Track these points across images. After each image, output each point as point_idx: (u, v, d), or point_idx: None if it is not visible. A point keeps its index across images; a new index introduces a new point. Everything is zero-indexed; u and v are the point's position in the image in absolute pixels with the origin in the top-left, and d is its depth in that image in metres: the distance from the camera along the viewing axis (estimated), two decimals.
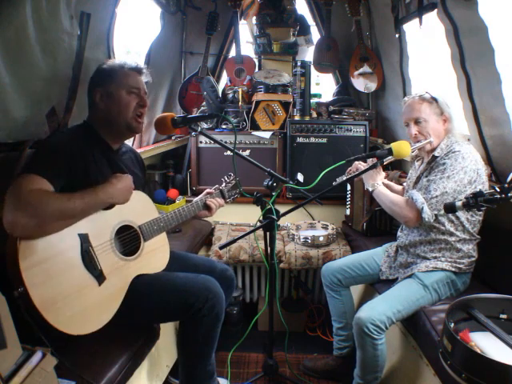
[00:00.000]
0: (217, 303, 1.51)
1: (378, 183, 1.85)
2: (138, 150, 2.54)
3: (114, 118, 1.49)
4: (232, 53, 3.51)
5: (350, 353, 2.00)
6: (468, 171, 1.63)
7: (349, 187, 2.58)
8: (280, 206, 1.72)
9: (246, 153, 2.77)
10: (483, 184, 1.68)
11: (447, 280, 1.71)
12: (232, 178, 1.97)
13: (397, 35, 2.51)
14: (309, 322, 2.63)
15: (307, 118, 2.86)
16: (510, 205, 1.37)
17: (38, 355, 0.98)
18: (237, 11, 3.05)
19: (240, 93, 2.86)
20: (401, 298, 1.66)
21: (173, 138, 3.08)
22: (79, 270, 1.29)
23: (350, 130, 2.77)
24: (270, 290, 1.74)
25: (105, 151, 1.52)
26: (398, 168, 2.73)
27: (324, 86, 3.60)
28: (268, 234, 1.64)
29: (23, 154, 1.51)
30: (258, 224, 1.64)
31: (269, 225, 1.60)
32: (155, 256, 1.60)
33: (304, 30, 3.26)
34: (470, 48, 1.81)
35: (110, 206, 1.43)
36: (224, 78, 3.52)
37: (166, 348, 1.85)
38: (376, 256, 2.02)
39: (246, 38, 3.28)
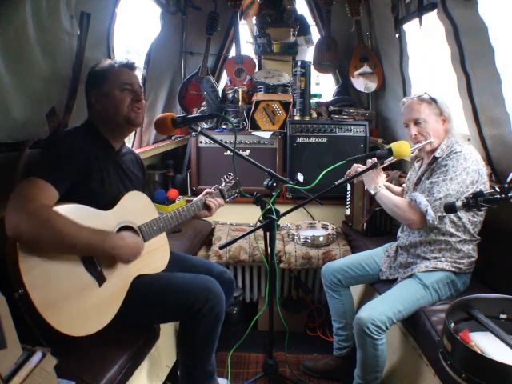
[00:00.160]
0: (217, 303, 1.51)
1: (380, 186, 1.84)
2: (138, 150, 2.56)
3: (112, 116, 1.50)
4: (232, 53, 3.51)
5: (350, 353, 2.00)
6: (470, 172, 1.63)
7: (349, 187, 2.58)
8: (280, 205, 1.71)
9: (246, 153, 2.77)
10: (485, 184, 1.67)
11: (447, 280, 1.71)
12: (232, 177, 1.97)
13: (397, 35, 2.51)
14: (309, 321, 2.63)
15: (307, 118, 2.86)
16: (510, 205, 1.38)
17: (37, 355, 0.97)
18: (237, 11, 3.05)
19: (240, 93, 2.86)
20: (401, 298, 1.66)
21: (173, 137, 3.08)
22: (79, 271, 1.29)
23: (350, 130, 2.77)
24: (269, 290, 1.74)
25: (107, 151, 1.53)
26: (397, 168, 2.73)
27: (324, 86, 3.60)
28: (268, 233, 1.64)
29: (23, 153, 1.51)
30: (258, 224, 1.64)
31: (269, 225, 1.60)
32: (155, 256, 1.60)
33: (304, 30, 3.26)
34: (470, 48, 1.81)
35: (109, 207, 1.43)
36: (224, 78, 3.52)
37: (165, 348, 1.85)
38: (376, 256, 2.02)
39: (246, 37, 3.29)
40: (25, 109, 1.50)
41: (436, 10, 1.94)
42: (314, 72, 3.10)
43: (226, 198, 1.90)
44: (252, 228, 1.69)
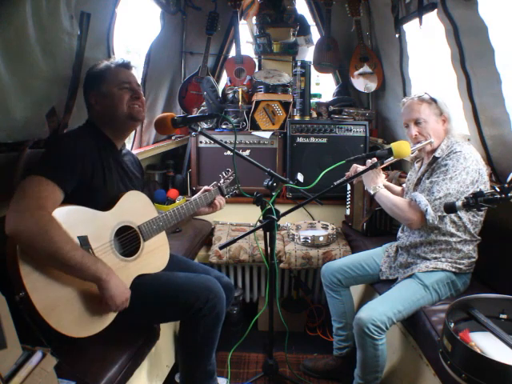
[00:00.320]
0: (218, 303, 1.51)
1: (380, 186, 1.84)
2: (138, 150, 2.57)
3: (113, 115, 1.50)
4: (232, 53, 3.51)
5: (350, 353, 2.00)
6: (470, 171, 1.63)
7: (349, 187, 2.58)
8: (280, 205, 1.71)
9: (246, 153, 2.77)
10: (485, 184, 1.67)
11: (447, 280, 1.71)
12: (230, 173, 1.97)
13: (397, 35, 2.51)
14: (309, 322, 2.63)
15: (307, 118, 2.86)
16: (510, 205, 1.37)
17: (37, 355, 0.97)
18: (237, 11, 3.05)
19: (240, 93, 2.86)
20: (401, 299, 1.66)
21: (173, 137, 3.08)
22: None
23: (350, 130, 2.77)
24: (269, 290, 1.74)
25: (109, 150, 1.53)
26: (397, 168, 2.73)
27: (324, 86, 3.60)
28: (268, 233, 1.64)
29: (23, 153, 1.51)
30: (258, 224, 1.64)
31: (269, 225, 1.60)
32: (155, 256, 1.60)
33: (304, 30, 3.25)
34: (470, 48, 1.81)
35: (108, 207, 1.43)
36: (224, 78, 3.52)
37: (165, 348, 1.85)
38: (376, 256, 2.02)
39: (246, 37, 3.28)
40: (25, 109, 1.50)
41: (436, 10, 1.94)
42: (314, 72, 3.10)
43: (225, 195, 1.91)
44: (252, 228, 1.69)
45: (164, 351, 1.83)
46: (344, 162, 1.72)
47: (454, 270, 1.71)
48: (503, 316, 1.31)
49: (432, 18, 2.01)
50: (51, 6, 1.47)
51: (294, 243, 2.46)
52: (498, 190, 1.20)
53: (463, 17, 1.76)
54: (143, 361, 1.51)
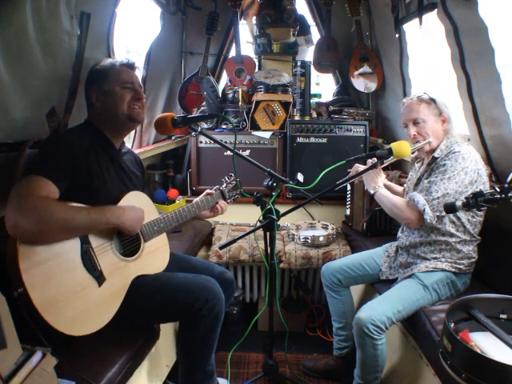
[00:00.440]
0: (217, 304, 1.51)
1: (380, 185, 1.84)
2: (138, 150, 2.57)
3: (113, 114, 1.50)
4: (232, 53, 3.51)
5: (350, 353, 2.00)
6: (469, 172, 1.63)
7: (349, 187, 2.58)
8: (280, 205, 1.72)
9: (246, 153, 2.77)
10: (484, 184, 1.67)
11: (447, 280, 1.71)
12: (232, 178, 1.97)
13: (397, 35, 2.51)
14: (309, 322, 2.63)
15: (307, 118, 2.86)
16: (510, 205, 1.37)
17: (37, 355, 0.98)
18: (237, 11, 3.05)
19: (240, 93, 2.86)
20: (401, 299, 1.66)
21: (173, 137, 3.08)
22: (79, 271, 1.29)
23: (350, 130, 2.77)
24: (270, 290, 1.74)
25: (107, 150, 1.53)
26: (398, 168, 2.73)
27: (324, 86, 3.60)
28: (268, 233, 1.64)
29: (23, 153, 1.51)
30: (258, 224, 1.64)
31: (269, 225, 1.60)
32: (155, 257, 1.60)
33: (304, 30, 3.26)
34: (470, 48, 1.81)
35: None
36: (224, 78, 3.52)
37: (165, 348, 1.85)
38: (376, 256, 2.02)
39: (246, 37, 3.29)
40: (25, 109, 1.50)
41: (436, 10, 1.94)
42: (314, 72, 3.10)
43: (227, 199, 1.91)
44: (252, 228, 1.69)
45: (164, 351, 1.83)
46: (344, 161, 1.72)
47: (453, 270, 1.71)
48: (503, 316, 1.31)
49: (432, 18, 2.01)
50: (51, 5, 1.47)
51: (294, 243, 2.46)
52: (498, 190, 1.20)
53: (463, 17, 1.76)
54: (143, 361, 1.51)
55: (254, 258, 2.39)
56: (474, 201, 1.23)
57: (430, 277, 1.70)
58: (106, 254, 1.38)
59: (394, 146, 1.66)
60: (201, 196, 1.84)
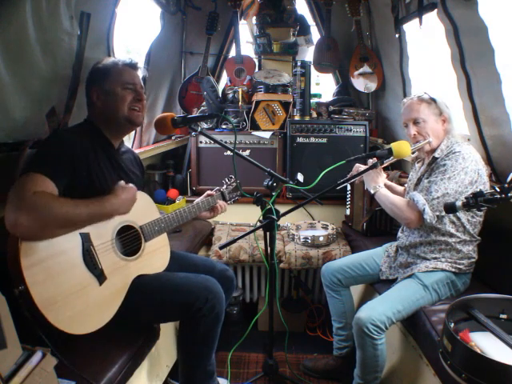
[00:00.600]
0: (217, 303, 1.51)
1: (380, 185, 1.84)
2: (138, 150, 2.57)
3: (113, 114, 1.50)
4: (232, 53, 3.51)
5: (350, 353, 2.00)
6: (469, 172, 1.63)
7: (349, 187, 2.58)
8: (280, 205, 1.71)
9: (246, 153, 2.76)
10: (484, 184, 1.67)
11: (447, 280, 1.71)
12: (233, 179, 1.97)
13: (397, 35, 2.51)
14: (309, 322, 2.63)
15: (307, 118, 2.86)
16: (510, 205, 1.37)
17: (37, 355, 0.97)
18: (237, 11, 3.05)
19: (240, 93, 2.86)
20: (401, 298, 1.66)
21: (173, 137, 3.08)
22: (80, 270, 1.29)
23: (350, 130, 2.77)
24: (270, 290, 1.74)
25: (106, 149, 1.53)
26: (398, 168, 2.73)
27: (324, 86, 3.60)
28: (268, 233, 1.64)
29: (23, 153, 1.51)
30: (258, 224, 1.64)
31: (269, 225, 1.60)
32: (156, 256, 1.60)
33: (304, 30, 3.26)
34: (470, 48, 1.81)
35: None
36: (224, 78, 3.52)
37: (165, 348, 1.85)
38: (376, 256, 2.02)
39: (246, 38, 3.29)
40: (25, 109, 1.50)
41: (436, 10, 1.94)
42: (314, 72, 3.10)
43: (227, 200, 1.92)
44: (252, 228, 1.69)
45: (164, 351, 1.83)
46: (344, 161, 1.72)
47: (453, 270, 1.71)
48: (503, 316, 1.31)
49: (432, 18, 2.01)
50: (51, 6, 1.47)
51: (294, 243, 2.46)
52: (498, 190, 1.20)
53: (463, 17, 1.76)
54: (143, 361, 1.51)
55: (254, 258, 2.39)
56: (474, 201, 1.23)
57: (429, 277, 1.70)
58: (107, 252, 1.38)
59: (394, 145, 1.66)
60: (201, 197, 1.85)
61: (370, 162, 1.82)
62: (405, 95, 2.61)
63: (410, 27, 2.41)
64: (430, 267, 1.73)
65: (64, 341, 1.22)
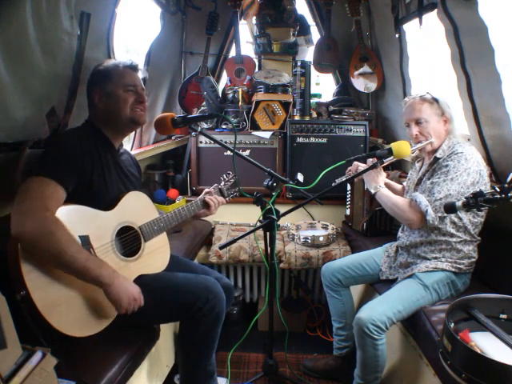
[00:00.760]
0: (217, 303, 1.51)
1: (381, 185, 1.84)
2: (138, 150, 2.57)
3: (115, 116, 1.50)
4: (232, 53, 3.51)
5: (350, 353, 2.00)
6: (471, 172, 1.63)
7: (349, 187, 2.58)
8: (280, 206, 1.71)
9: (246, 153, 2.76)
10: (486, 185, 1.67)
11: (447, 280, 1.71)
12: (231, 176, 1.97)
13: (397, 35, 2.51)
14: (309, 322, 2.63)
15: (307, 118, 2.86)
16: (510, 205, 1.37)
17: (37, 355, 0.97)
18: (237, 11, 3.05)
19: (240, 93, 2.86)
20: (401, 299, 1.66)
21: (173, 137, 3.08)
22: None
23: (350, 130, 2.77)
24: (270, 290, 1.74)
25: (108, 150, 1.53)
26: (398, 168, 2.73)
27: (324, 86, 3.60)
28: (268, 233, 1.64)
29: (23, 153, 1.51)
30: (258, 224, 1.64)
31: (269, 225, 1.60)
32: (156, 256, 1.60)
33: (304, 30, 3.25)
34: (470, 48, 1.80)
35: (110, 207, 1.43)
36: (224, 78, 3.52)
37: (165, 348, 1.85)
38: (376, 256, 2.02)
39: (246, 37, 3.28)
40: (25, 109, 1.50)
41: (436, 10, 1.94)
42: (314, 72, 3.10)
43: (225, 197, 1.90)
44: (252, 228, 1.69)
45: (164, 351, 1.83)
46: (344, 161, 1.72)
47: (453, 269, 1.71)
48: (503, 316, 1.31)
49: (432, 18, 2.01)
50: (51, 6, 1.47)
51: (294, 243, 2.46)
52: (498, 190, 1.20)
53: (463, 17, 1.76)
54: (143, 361, 1.51)
55: (254, 258, 2.39)
56: (474, 201, 1.23)
57: (430, 277, 1.70)
58: (107, 254, 1.38)
59: (394, 146, 1.66)
60: (200, 196, 1.84)
61: (370, 161, 1.82)
62: (405, 95, 2.61)
63: (410, 27, 2.41)
64: (431, 267, 1.73)
65: (64, 342, 1.22)
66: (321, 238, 2.41)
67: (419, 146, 1.75)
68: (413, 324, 1.67)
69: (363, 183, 1.97)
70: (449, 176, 1.63)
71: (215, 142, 1.64)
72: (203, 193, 1.86)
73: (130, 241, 1.50)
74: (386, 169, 2.23)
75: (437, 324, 1.51)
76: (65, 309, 1.21)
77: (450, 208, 1.31)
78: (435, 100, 1.74)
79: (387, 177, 2.19)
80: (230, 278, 2.55)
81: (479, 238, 1.75)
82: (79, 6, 1.64)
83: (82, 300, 1.27)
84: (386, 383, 1.87)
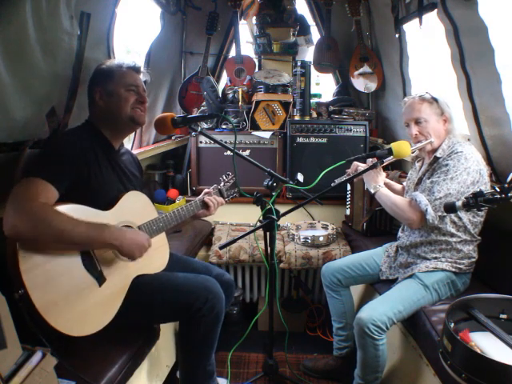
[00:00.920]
0: (217, 303, 1.51)
1: (380, 185, 1.84)
2: (138, 150, 2.57)
3: (115, 115, 1.51)
4: (232, 53, 3.51)
5: (350, 353, 2.00)
6: (471, 172, 1.63)
7: (349, 187, 2.58)
8: (280, 205, 1.71)
9: (246, 153, 2.76)
10: (486, 184, 1.67)
11: (447, 280, 1.71)
12: (230, 176, 1.97)
13: (397, 35, 2.51)
14: (309, 322, 2.63)
15: (307, 118, 2.86)
16: (510, 205, 1.37)
17: (37, 355, 0.97)
18: (237, 11, 3.05)
19: (240, 93, 2.86)
20: (401, 299, 1.66)
21: (173, 137, 3.08)
22: (79, 271, 1.29)
23: (350, 130, 2.77)
24: (270, 290, 1.74)
25: (107, 150, 1.53)
26: (398, 168, 2.73)
27: (324, 86, 3.60)
28: (268, 233, 1.64)
29: (23, 153, 1.51)
30: (258, 224, 1.64)
31: (269, 225, 1.60)
32: (155, 256, 1.60)
33: (304, 30, 3.26)
34: (470, 48, 1.80)
35: (109, 207, 1.43)
36: (224, 78, 3.52)
37: (166, 348, 1.85)
38: (376, 256, 2.02)
39: (246, 37, 3.29)
40: (25, 109, 1.50)
41: (436, 10, 1.94)
42: (314, 72, 3.10)
43: (224, 198, 1.90)
44: (252, 228, 1.69)
45: (164, 351, 1.83)
46: (344, 161, 1.72)
47: (454, 269, 1.71)
48: (503, 316, 1.31)
49: (432, 18, 2.01)
50: (51, 6, 1.47)
51: (294, 243, 2.46)
52: (498, 190, 1.20)
53: (463, 17, 1.76)
54: (143, 361, 1.51)
55: (254, 258, 2.39)
56: (474, 201, 1.23)
57: (430, 277, 1.70)
58: (106, 253, 1.38)
59: (393, 146, 1.67)
60: (200, 196, 1.84)
61: (370, 161, 1.82)
62: (405, 95, 2.61)
63: (410, 27, 2.41)
64: (431, 267, 1.73)
65: (64, 341, 1.22)
66: (321, 238, 2.41)
67: (419, 145, 1.75)
68: (413, 324, 1.67)
69: (363, 183, 1.96)
70: (448, 175, 1.64)
71: (215, 141, 1.64)
72: (202, 193, 1.86)
73: None
74: (385, 169, 2.24)
75: (437, 324, 1.51)
76: (63, 308, 1.21)
77: (450, 208, 1.31)
78: (434, 100, 1.74)
79: (387, 177, 2.19)
80: None
81: (479, 238, 1.75)
82: (79, 6, 1.64)
83: (81, 299, 1.27)
84: (386, 383, 1.87)
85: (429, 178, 1.75)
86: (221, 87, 3.26)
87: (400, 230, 1.98)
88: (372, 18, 2.99)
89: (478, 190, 1.56)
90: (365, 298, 2.18)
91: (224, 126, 2.82)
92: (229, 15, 3.20)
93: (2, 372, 0.89)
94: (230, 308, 2.53)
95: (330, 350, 2.15)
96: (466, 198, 1.25)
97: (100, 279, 1.33)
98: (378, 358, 1.65)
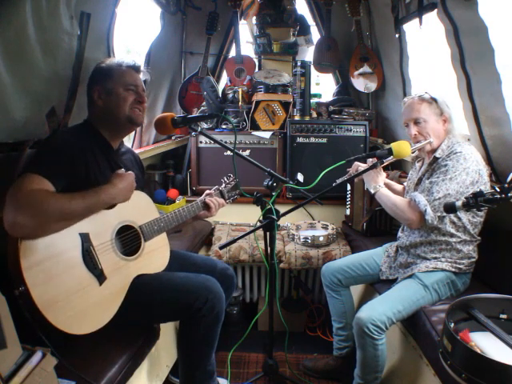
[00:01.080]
0: (217, 303, 1.51)
1: (380, 185, 1.84)
2: (138, 150, 2.57)
3: (113, 114, 1.50)
4: (232, 53, 3.51)
5: (350, 353, 2.00)
6: (470, 172, 1.63)
7: (349, 187, 2.58)
8: (280, 205, 1.71)
9: (246, 153, 2.76)
10: (485, 185, 1.67)
11: (447, 280, 1.71)
12: (232, 178, 1.97)
13: (397, 35, 2.51)
14: (309, 322, 2.63)
15: (307, 118, 2.86)
16: (510, 205, 1.37)
17: (37, 355, 0.97)
18: (237, 11, 3.05)
19: (240, 93, 2.86)
20: (401, 298, 1.66)
21: (173, 137, 3.08)
22: (80, 270, 1.29)
23: (350, 130, 2.77)
24: (269, 290, 1.74)
25: (105, 150, 1.53)
26: (398, 168, 2.73)
27: (324, 86, 3.60)
28: (268, 233, 1.64)
29: (23, 153, 1.51)
30: (258, 224, 1.64)
31: (269, 225, 1.60)
32: (155, 256, 1.60)
33: (304, 30, 3.26)
34: (470, 48, 1.80)
35: (110, 206, 1.43)
36: (224, 78, 3.52)
37: (166, 348, 1.85)
38: (376, 256, 2.02)
39: (246, 38, 3.29)
40: (25, 109, 1.50)
41: (436, 10, 1.94)
42: (314, 72, 3.10)
43: (226, 199, 1.90)
44: (252, 228, 1.69)
45: (164, 351, 1.83)
46: (344, 161, 1.72)
47: (453, 269, 1.71)
48: (503, 316, 1.31)
49: (432, 18, 2.01)
50: (51, 6, 1.47)
51: (294, 243, 2.46)
52: (498, 190, 1.20)
53: (463, 17, 1.76)
54: (143, 361, 1.51)
55: (254, 258, 2.39)
56: (474, 201, 1.23)
57: (430, 277, 1.70)
58: (107, 252, 1.38)
59: (393, 146, 1.67)
60: (201, 197, 1.84)
61: (370, 161, 1.82)
62: (405, 95, 2.61)
63: (410, 27, 2.41)
64: (430, 267, 1.73)
65: (64, 341, 1.22)
66: (321, 238, 2.41)
67: (418, 145, 1.75)
68: (413, 324, 1.67)
69: (363, 183, 1.96)
70: (447, 175, 1.64)
71: (215, 141, 1.64)
72: (204, 194, 1.86)
73: (129, 240, 1.50)
74: (385, 169, 2.24)
75: (437, 324, 1.51)
76: (63, 305, 1.21)
77: (450, 208, 1.31)
78: (434, 100, 1.74)
79: (387, 177, 2.19)
80: None
81: (479, 238, 1.75)
82: (79, 6, 1.64)
83: (81, 297, 1.27)
84: (386, 383, 1.87)
85: (428, 179, 1.75)
86: (221, 87, 3.26)
87: (400, 230, 1.98)
88: (372, 18, 2.99)
89: (478, 190, 1.57)
90: (365, 298, 2.18)
91: (224, 126, 2.82)
92: (229, 15, 3.20)
93: (2, 372, 0.89)
94: (230, 308, 2.53)
95: (330, 350, 2.15)
96: (465, 198, 1.25)
97: (100, 278, 1.33)
98: (377, 358, 1.65)
